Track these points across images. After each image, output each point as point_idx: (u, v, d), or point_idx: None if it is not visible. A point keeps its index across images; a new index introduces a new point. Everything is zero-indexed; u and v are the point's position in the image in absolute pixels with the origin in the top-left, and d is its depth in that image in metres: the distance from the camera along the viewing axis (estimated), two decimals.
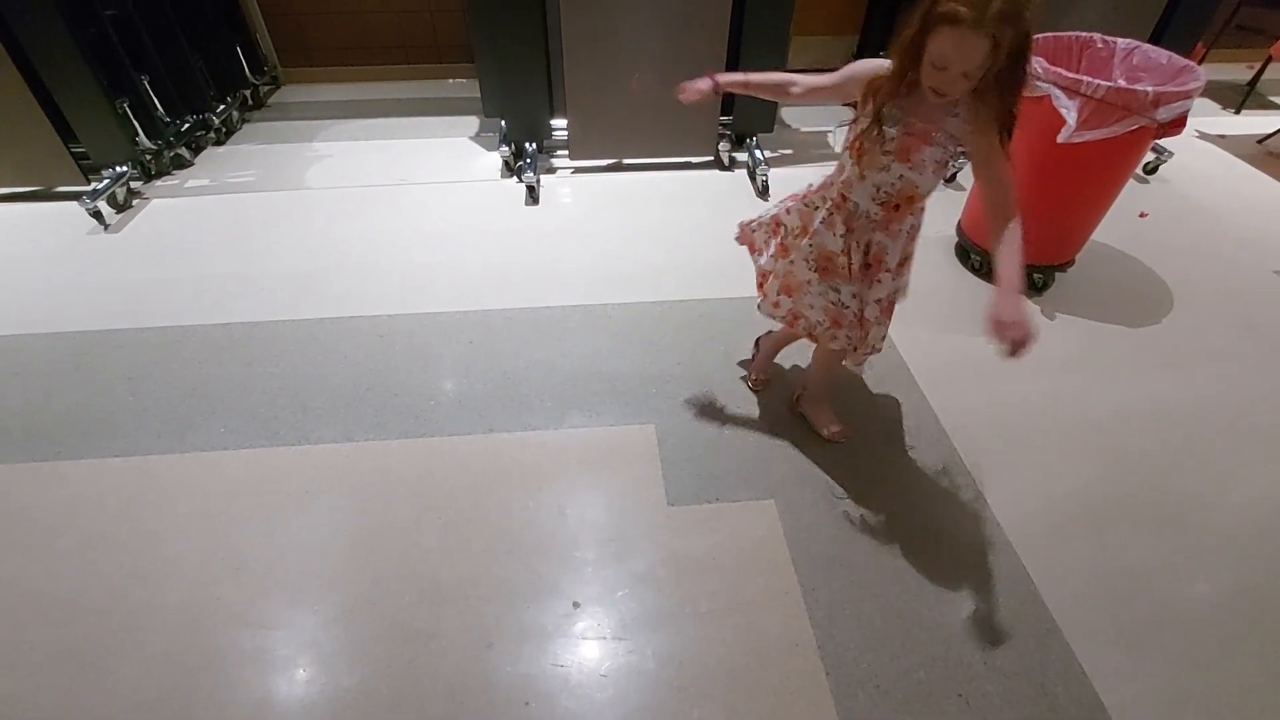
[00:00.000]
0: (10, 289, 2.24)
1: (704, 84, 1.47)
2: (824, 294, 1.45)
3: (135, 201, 2.65)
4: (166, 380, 1.90)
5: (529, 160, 2.66)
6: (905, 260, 1.42)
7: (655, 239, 2.49)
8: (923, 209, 1.34)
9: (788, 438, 1.76)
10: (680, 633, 1.36)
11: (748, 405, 1.84)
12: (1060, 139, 1.89)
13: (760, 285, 1.64)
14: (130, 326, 2.08)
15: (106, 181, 2.52)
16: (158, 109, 2.69)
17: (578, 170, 2.88)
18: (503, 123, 2.90)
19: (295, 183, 2.80)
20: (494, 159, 2.96)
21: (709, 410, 1.83)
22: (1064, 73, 1.86)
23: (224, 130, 3.09)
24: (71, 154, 2.54)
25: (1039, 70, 1.90)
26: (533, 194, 2.68)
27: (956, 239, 2.46)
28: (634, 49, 2.52)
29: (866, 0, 3.29)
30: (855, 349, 1.51)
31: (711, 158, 2.92)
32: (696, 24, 2.49)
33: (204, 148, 3.01)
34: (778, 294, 1.55)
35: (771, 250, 1.59)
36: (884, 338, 1.52)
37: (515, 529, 1.54)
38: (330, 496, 1.60)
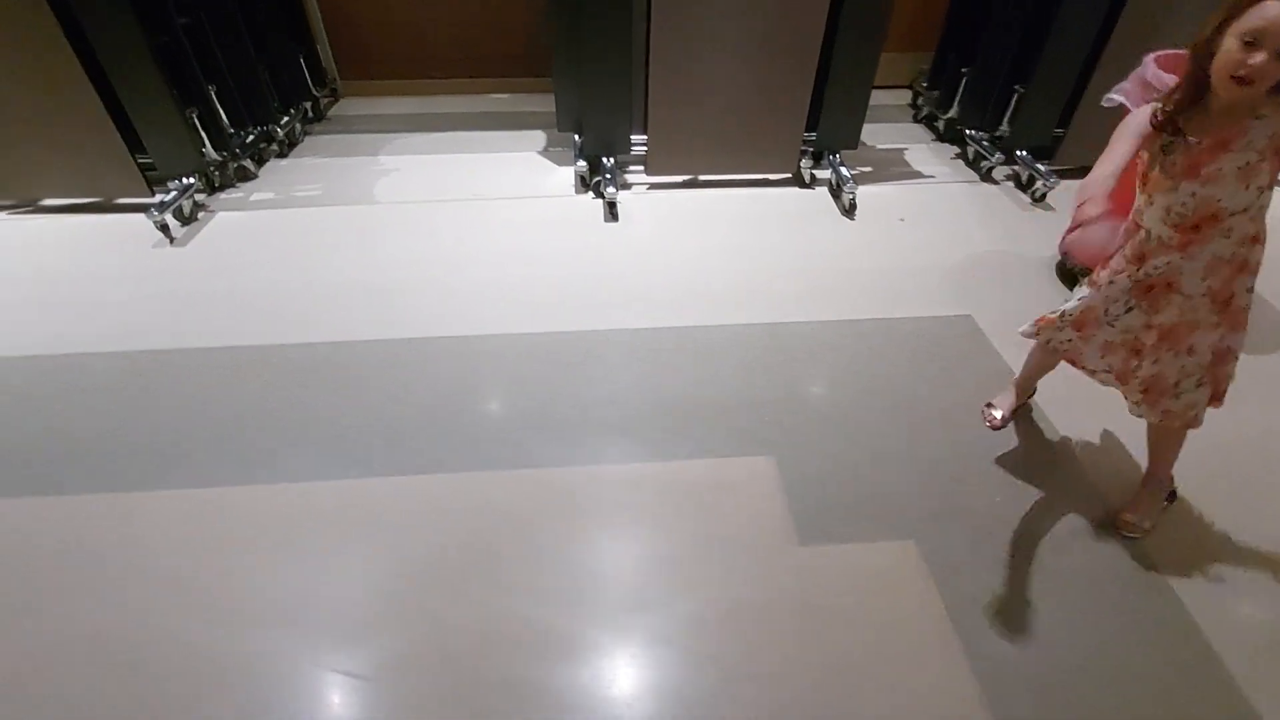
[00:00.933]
0: (75, 304, 2.14)
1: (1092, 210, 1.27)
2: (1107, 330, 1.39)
3: (200, 214, 2.56)
4: (246, 404, 1.79)
5: (608, 175, 2.56)
6: (1227, 302, 1.24)
7: (741, 258, 2.37)
8: (1257, 239, 1.20)
9: (923, 469, 1.62)
10: (822, 689, 1.22)
11: (870, 436, 1.71)
12: None
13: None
14: (203, 346, 1.98)
15: (174, 194, 2.43)
16: (224, 120, 2.62)
17: (653, 186, 2.78)
18: (576, 137, 2.82)
19: (364, 197, 2.71)
20: (565, 174, 2.87)
21: (827, 440, 1.70)
22: None
23: (287, 143, 3.01)
24: (136, 164, 2.46)
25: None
26: (613, 210, 2.57)
27: (1058, 259, 2.33)
28: (722, 64, 2.42)
29: (944, 15, 3.19)
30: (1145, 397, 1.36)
31: (789, 175, 2.81)
32: (786, 41, 2.39)
33: (267, 160, 2.93)
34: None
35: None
36: (1194, 396, 1.31)
37: (627, 572, 1.41)
38: (427, 532, 1.47)
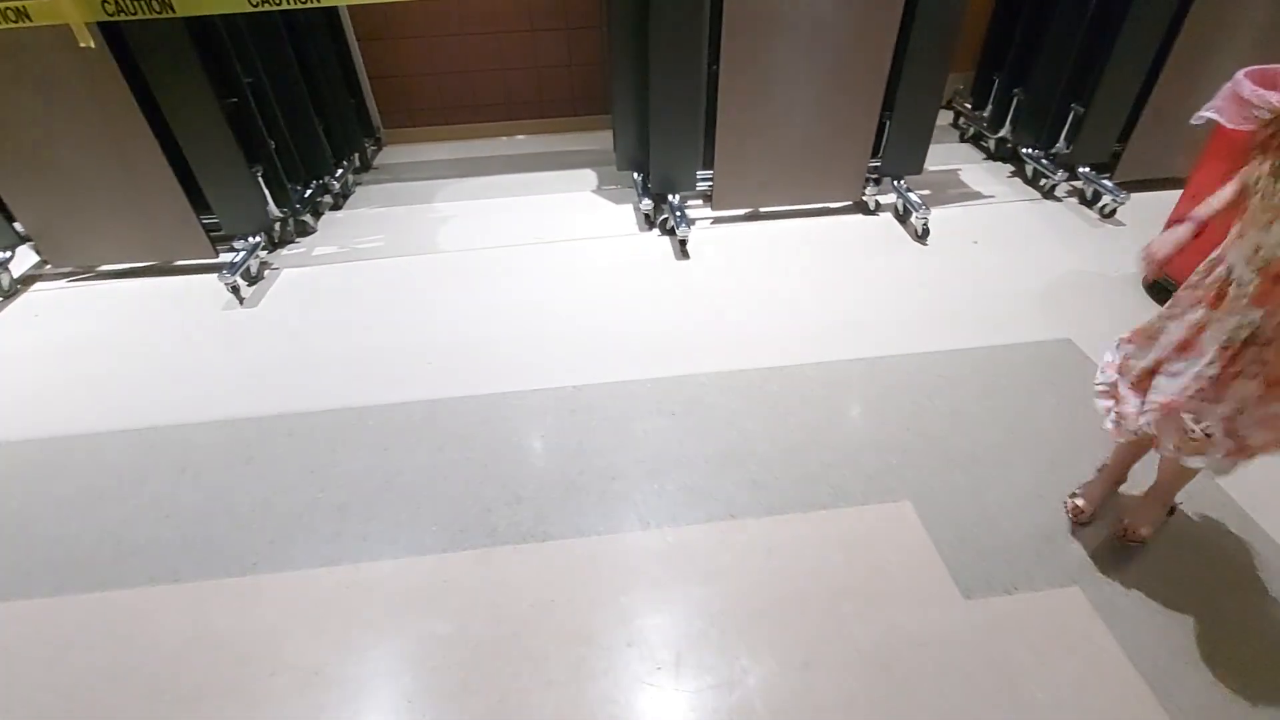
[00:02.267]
0: (157, 372, 2.09)
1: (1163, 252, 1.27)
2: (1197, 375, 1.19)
3: (266, 272, 2.52)
4: (354, 470, 1.73)
5: (679, 214, 2.53)
6: None
7: (822, 290, 2.34)
8: None
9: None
10: None
11: (1007, 473, 1.66)
12: None
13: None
14: (296, 410, 1.92)
15: (243, 253, 2.39)
16: (283, 176, 2.59)
17: (715, 221, 2.76)
18: (636, 175, 2.80)
19: (427, 246, 2.68)
20: (625, 212, 2.84)
21: (963, 481, 1.65)
22: None
23: (341, 194, 2.99)
24: (201, 225, 2.43)
25: (1277, 103, 1.78)
26: (683, 248, 2.54)
27: (1143, 274, 2.31)
28: (788, 97, 2.42)
29: (983, 36, 3.22)
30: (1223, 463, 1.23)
31: (851, 202, 2.80)
32: (854, 72, 2.40)
33: (323, 213, 2.90)
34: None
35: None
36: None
37: (794, 635, 1.34)
38: (575, 604, 1.41)
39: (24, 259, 2.60)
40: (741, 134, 2.49)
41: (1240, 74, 1.90)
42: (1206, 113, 1.95)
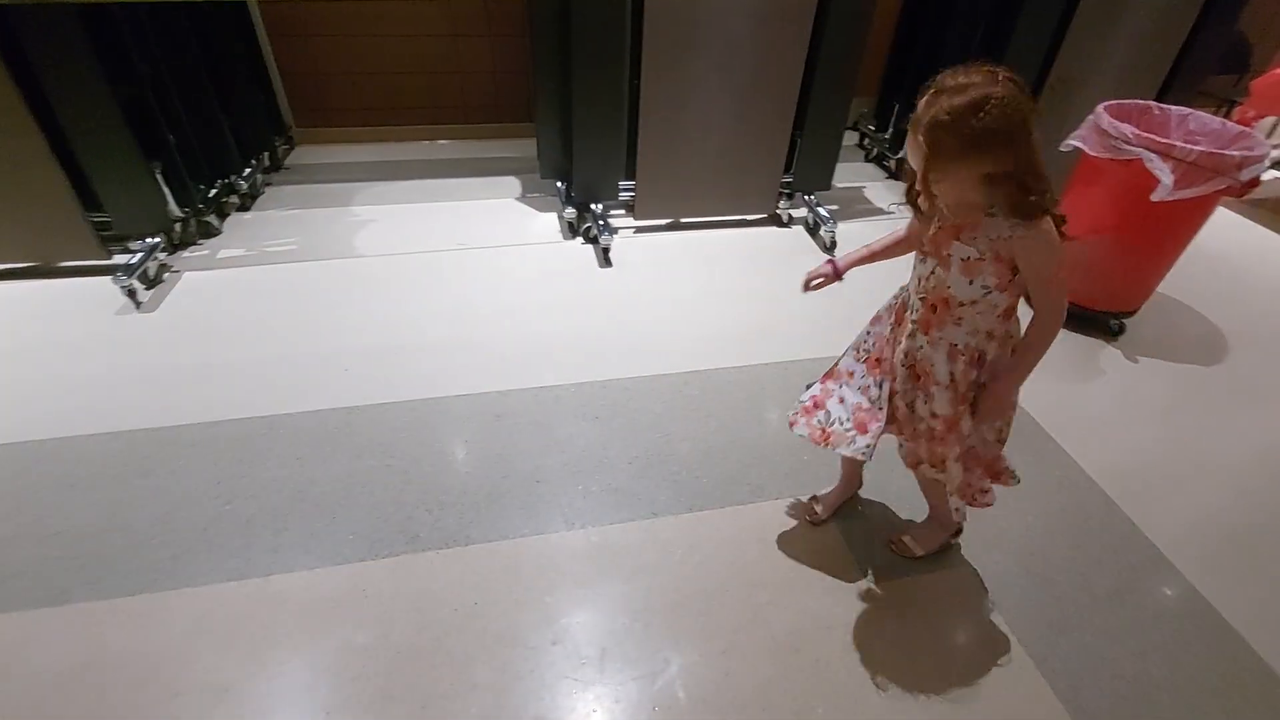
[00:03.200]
0: (44, 382, 1.93)
1: (826, 270, 1.45)
2: (863, 388, 1.37)
3: (166, 275, 2.37)
4: (264, 481, 1.66)
5: (601, 222, 2.58)
6: (962, 396, 1.21)
7: (741, 298, 2.45)
8: (992, 336, 1.16)
9: None
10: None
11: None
12: (1155, 198, 2.00)
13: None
14: (199, 420, 1.82)
15: (140, 255, 2.24)
16: (185, 173, 2.45)
17: (638, 230, 2.83)
18: (559, 184, 2.83)
19: (343, 250, 2.59)
20: (548, 220, 2.86)
21: (872, 475, 1.75)
22: (1156, 138, 1.99)
23: (249, 195, 2.84)
24: (90, 224, 2.26)
25: (1129, 134, 2.02)
26: (606, 256, 2.59)
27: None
28: (706, 113, 2.53)
29: (883, 65, 3.47)
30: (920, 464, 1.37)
31: (766, 214, 2.94)
32: (767, 91, 2.53)
33: (229, 213, 2.75)
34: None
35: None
36: (956, 485, 1.31)
37: (714, 625, 1.41)
38: (500, 606, 1.42)
39: None
40: (662, 146, 2.58)
41: (1101, 107, 2.15)
42: (1073, 141, 2.19)
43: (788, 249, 2.80)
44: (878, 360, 1.36)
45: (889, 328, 1.34)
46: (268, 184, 3.04)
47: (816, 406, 1.43)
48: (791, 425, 1.44)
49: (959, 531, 1.59)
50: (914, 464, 1.39)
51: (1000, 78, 0.98)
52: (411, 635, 1.36)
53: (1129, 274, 2.31)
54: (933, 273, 1.16)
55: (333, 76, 3.29)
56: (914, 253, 1.24)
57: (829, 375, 1.47)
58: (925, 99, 1.01)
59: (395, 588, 1.45)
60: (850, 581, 1.51)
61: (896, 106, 3.36)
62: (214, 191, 2.61)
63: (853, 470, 1.65)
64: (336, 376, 2.00)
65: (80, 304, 2.23)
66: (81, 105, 2.07)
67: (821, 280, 1.43)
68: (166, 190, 2.34)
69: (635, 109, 2.51)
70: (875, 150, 3.60)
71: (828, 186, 2.91)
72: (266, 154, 3.05)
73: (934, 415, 1.26)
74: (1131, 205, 2.10)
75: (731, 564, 1.53)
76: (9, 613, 1.37)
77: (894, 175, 3.46)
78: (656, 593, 1.46)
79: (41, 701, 1.24)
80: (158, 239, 2.34)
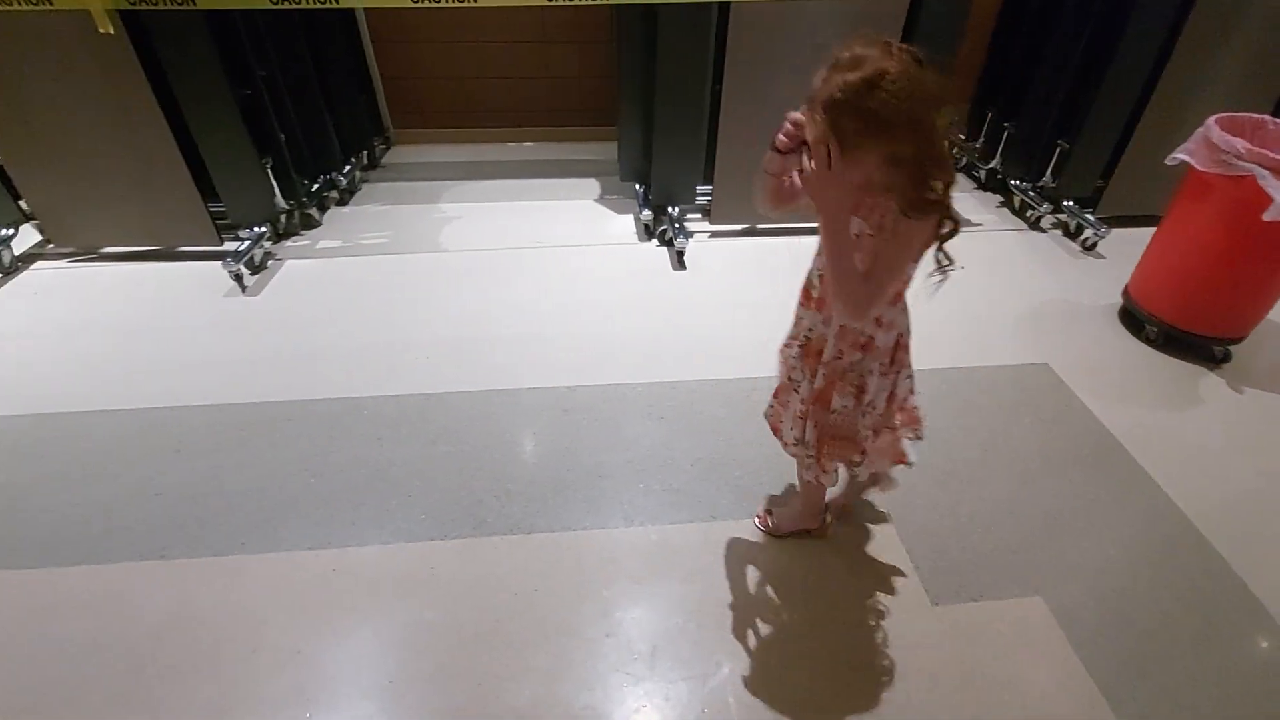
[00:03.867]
0: (157, 355, 2.12)
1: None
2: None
3: (269, 263, 2.56)
4: (346, 460, 1.76)
5: (677, 225, 2.60)
6: (838, 376, 1.21)
7: None
8: (878, 321, 1.16)
9: (1039, 522, 1.62)
10: None
11: (981, 488, 1.71)
12: (1267, 218, 1.83)
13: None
14: (292, 399, 1.95)
15: (248, 242, 2.43)
16: (293, 169, 2.63)
17: (713, 234, 2.82)
18: (638, 186, 2.87)
19: (430, 245, 2.72)
20: (625, 221, 2.90)
21: (938, 494, 1.70)
22: (1270, 154, 1.82)
23: (348, 190, 3.03)
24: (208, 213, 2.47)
25: (1241, 149, 1.87)
26: (681, 259, 2.61)
27: (1122, 304, 2.39)
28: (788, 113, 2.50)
29: (978, 72, 3.33)
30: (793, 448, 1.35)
31: None
32: None
33: (329, 207, 2.94)
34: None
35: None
36: (810, 462, 1.31)
37: (769, 633, 1.38)
38: (558, 595, 1.45)
39: (26, 237, 2.63)
40: (741, 152, 2.57)
41: (1211, 120, 2.00)
42: (1180, 155, 2.04)
43: None
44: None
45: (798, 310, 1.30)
46: (365, 180, 3.23)
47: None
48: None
49: (822, 531, 1.57)
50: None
51: (894, 50, 0.91)
52: (473, 616, 1.41)
53: (1237, 298, 2.12)
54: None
55: (429, 80, 3.46)
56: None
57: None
58: (821, 75, 0.94)
59: (461, 569, 1.50)
60: (915, 603, 1.45)
61: (990, 114, 3.22)
62: (316, 186, 2.80)
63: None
64: (418, 364, 2.09)
65: (193, 286, 2.43)
66: (205, 105, 2.26)
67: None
68: (274, 184, 2.53)
69: (716, 114, 2.52)
70: (964, 160, 3.46)
71: None
72: (365, 152, 3.25)
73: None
74: (1242, 224, 1.94)
75: (791, 574, 1.50)
76: (117, 563, 1.51)
77: (983, 186, 3.31)
78: (712, 596, 1.45)
79: (137, 646, 1.35)
80: (264, 228, 2.53)
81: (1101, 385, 2.06)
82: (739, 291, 2.49)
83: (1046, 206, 2.88)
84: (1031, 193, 2.95)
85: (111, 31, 2.03)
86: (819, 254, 1.18)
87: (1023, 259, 2.74)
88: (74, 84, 2.15)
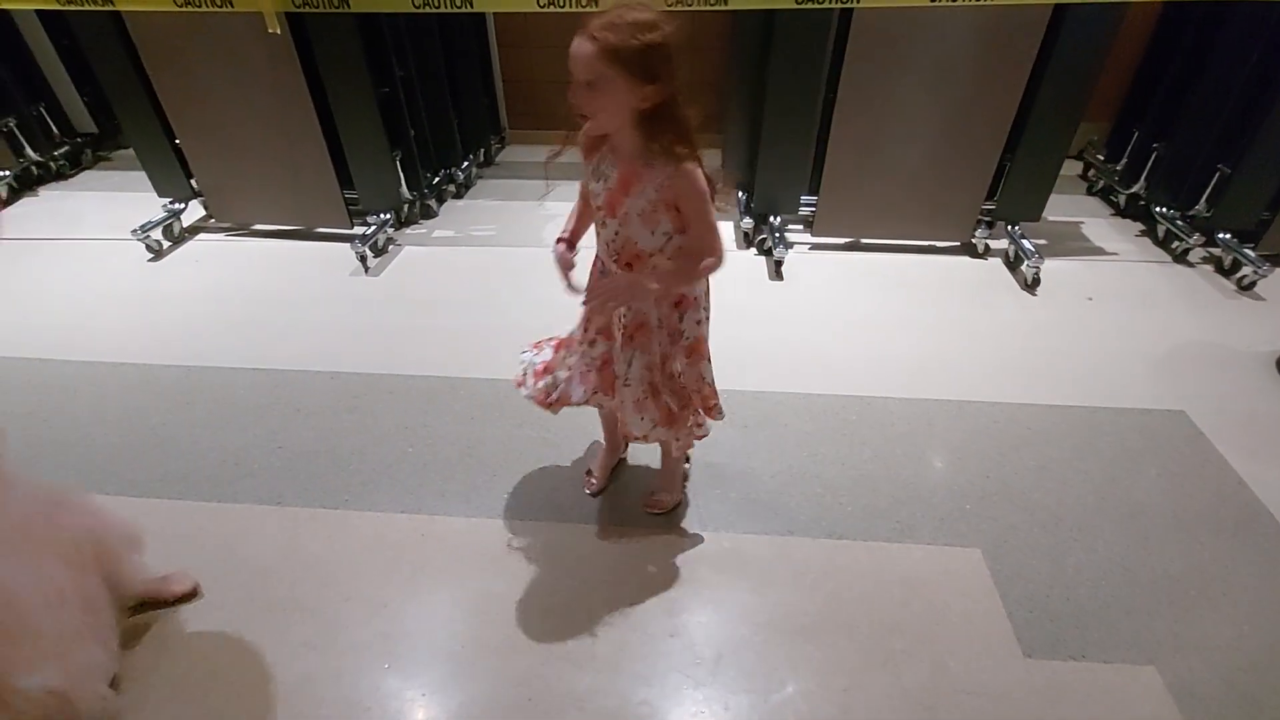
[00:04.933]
0: (288, 324, 2.34)
1: (564, 251, 1.33)
2: (583, 354, 1.39)
3: (390, 247, 2.76)
4: (441, 434, 1.87)
5: (778, 235, 2.56)
6: (683, 341, 1.33)
7: (917, 327, 2.30)
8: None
9: (1158, 586, 1.47)
10: None
11: (1092, 540, 1.57)
12: None
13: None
14: (398, 373, 2.09)
15: (374, 227, 2.64)
16: (418, 163, 2.83)
17: (814, 246, 2.76)
18: (740, 194, 2.85)
19: (534, 240, 2.84)
20: (724, 229, 2.88)
21: (1042, 540, 1.57)
22: None
23: (464, 184, 3.22)
24: (343, 199, 2.70)
25: None
26: (779, 269, 2.57)
27: None
28: (904, 132, 2.41)
29: (1126, 86, 3.06)
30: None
31: (959, 243, 2.73)
32: (979, 112, 2.36)
33: (445, 199, 3.14)
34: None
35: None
36: (651, 429, 1.38)
37: (839, 658, 1.33)
38: (626, 588, 1.47)
39: (192, 211, 2.98)
40: (851, 164, 2.50)
41: None
42: None
43: (979, 282, 2.57)
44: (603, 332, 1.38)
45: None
46: (480, 176, 3.41)
47: (547, 371, 1.48)
48: (519, 385, 1.50)
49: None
50: (626, 434, 1.43)
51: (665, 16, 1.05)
52: (544, 595, 1.45)
53: None
54: (616, 233, 1.20)
55: (546, 84, 3.60)
56: (595, 222, 1.27)
57: (562, 344, 1.49)
58: (593, 16, 1.04)
59: (537, 549, 1.55)
60: (1005, 652, 1.35)
61: (1136, 135, 2.94)
62: (436, 179, 2.99)
63: (612, 433, 1.67)
64: (513, 350, 2.17)
65: (324, 263, 2.66)
66: (350, 100, 2.48)
67: (569, 262, 1.32)
68: (401, 175, 2.72)
69: (826, 124, 2.46)
70: (1101, 183, 3.18)
71: (1037, 218, 2.62)
72: (483, 149, 3.43)
73: (647, 368, 1.33)
74: None
75: (867, 600, 1.44)
76: (240, 504, 1.68)
77: (1122, 212, 3.04)
78: (783, 611, 1.42)
79: (249, 581, 1.49)
80: (389, 215, 2.73)
81: (1250, 441, 1.83)
82: (836, 306, 2.42)
83: (1197, 238, 2.59)
84: (1180, 222, 2.67)
85: (278, 32, 2.27)
86: (604, 242, 1.25)
87: (1164, 295, 2.49)
88: (243, 77, 2.43)
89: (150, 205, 2.83)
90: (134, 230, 2.67)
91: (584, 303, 1.22)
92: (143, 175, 2.84)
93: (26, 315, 2.40)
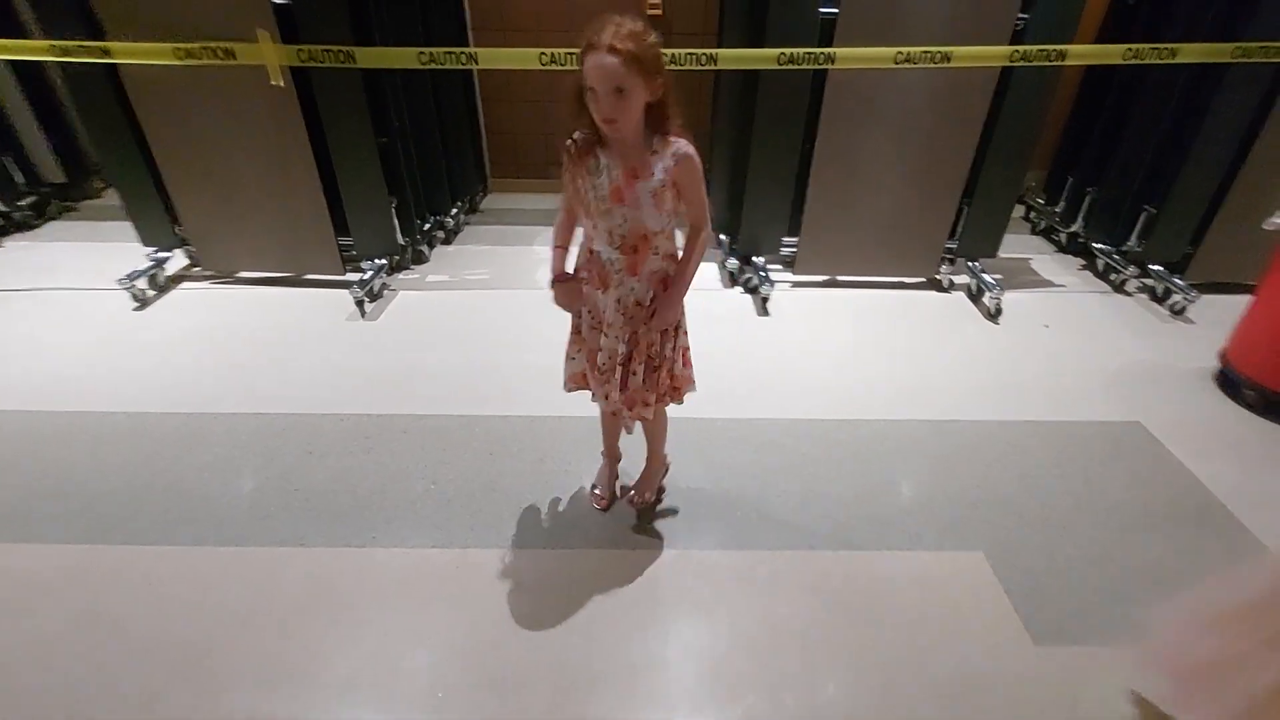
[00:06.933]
0: (288, 368, 2.34)
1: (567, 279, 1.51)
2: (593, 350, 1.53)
3: (385, 292, 2.80)
4: (462, 470, 1.90)
5: (763, 274, 2.73)
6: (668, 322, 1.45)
7: (895, 356, 2.48)
8: (672, 256, 1.41)
9: (1141, 574, 1.62)
10: None
11: (1079, 538, 1.72)
12: None
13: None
14: (410, 413, 2.12)
15: (370, 273, 2.68)
16: (411, 210, 2.90)
17: (795, 284, 2.94)
18: (722, 236, 3.03)
19: (526, 282, 2.93)
20: (708, 270, 3.05)
21: (1036, 540, 1.71)
22: None
23: (453, 231, 3.30)
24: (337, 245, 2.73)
25: None
26: (765, 305, 2.73)
27: (1219, 368, 2.37)
28: (875, 179, 2.64)
29: (1058, 136, 3.42)
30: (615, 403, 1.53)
31: (925, 278, 2.96)
32: (939, 160, 2.61)
33: (435, 245, 3.21)
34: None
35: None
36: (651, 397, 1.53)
37: (873, 658, 1.42)
38: (641, 606, 1.52)
39: (175, 260, 2.94)
40: (828, 207, 2.71)
41: None
42: (1278, 220, 2.07)
43: (946, 312, 2.79)
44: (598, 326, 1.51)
45: (606, 298, 1.45)
46: (467, 223, 3.51)
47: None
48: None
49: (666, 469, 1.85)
50: (630, 407, 1.53)
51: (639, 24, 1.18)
52: (586, 620, 1.49)
53: None
54: (624, 219, 1.32)
55: (526, 135, 3.77)
56: (588, 218, 1.37)
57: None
58: (593, 35, 1.15)
59: (569, 576, 1.60)
60: (1016, 639, 1.46)
61: (1070, 180, 3.29)
62: (428, 226, 3.06)
63: (613, 449, 1.82)
64: (518, 388, 2.24)
65: (319, 310, 2.68)
66: (352, 150, 2.55)
67: (573, 286, 1.49)
68: (397, 222, 2.78)
69: (804, 172, 2.67)
70: (1043, 223, 3.52)
71: (994, 254, 2.88)
72: (469, 197, 3.52)
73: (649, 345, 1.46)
74: None
75: (889, 603, 1.54)
76: (264, 546, 1.66)
77: (1064, 249, 3.35)
78: (816, 618, 1.50)
79: (285, 620, 1.49)
80: (384, 261, 2.78)
81: (1199, 446, 2.05)
82: (820, 338, 2.59)
83: (1132, 270, 2.90)
84: (1116, 256, 2.98)
85: (281, 84, 2.34)
86: (607, 231, 1.35)
87: (1109, 321, 2.76)
88: (242, 127, 2.47)
89: (125, 254, 2.81)
90: (120, 279, 2.63)
91: (653, 324, 1.43)
92: (114, 224, 2.82)
93: (6, 365, 2.32)
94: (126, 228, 2.82)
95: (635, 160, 1.28)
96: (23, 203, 3.34)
